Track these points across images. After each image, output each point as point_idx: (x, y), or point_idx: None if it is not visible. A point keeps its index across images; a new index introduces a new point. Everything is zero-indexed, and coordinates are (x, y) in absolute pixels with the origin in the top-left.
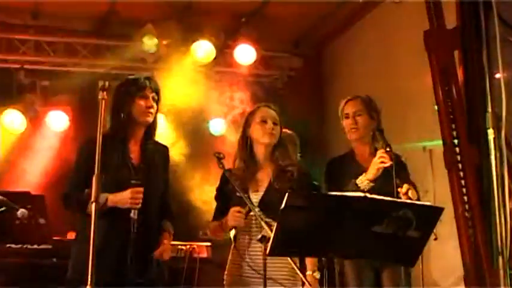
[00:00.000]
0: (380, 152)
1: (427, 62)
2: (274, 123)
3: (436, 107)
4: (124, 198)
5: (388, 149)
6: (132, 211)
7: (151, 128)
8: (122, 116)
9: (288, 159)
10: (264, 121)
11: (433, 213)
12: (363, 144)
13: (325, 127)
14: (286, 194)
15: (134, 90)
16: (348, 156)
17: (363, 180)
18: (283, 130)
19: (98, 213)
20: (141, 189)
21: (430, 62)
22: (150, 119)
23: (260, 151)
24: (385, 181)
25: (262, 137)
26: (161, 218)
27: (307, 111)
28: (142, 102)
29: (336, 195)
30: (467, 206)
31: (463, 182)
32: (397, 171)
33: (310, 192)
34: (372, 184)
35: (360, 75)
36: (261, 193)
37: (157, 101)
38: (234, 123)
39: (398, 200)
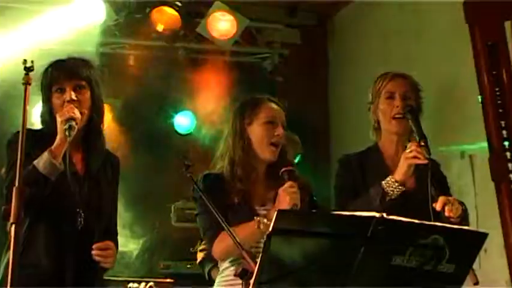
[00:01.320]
0: (413, 145)
1: (467, 39)
2: (283, 126)
3: (479, 98)
4: None
5: (423, 143)
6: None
7: (91, 129)
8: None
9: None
10: (271, 122)
11: (474, 241)
12: (397, 141)
13: (329, 121)
14: (275, 214)
15: (45, 82)
16: (371, 154)
17: (391, 183)
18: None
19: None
20: None
21: (472, 38)
22: (74, 116)
23: (260, 162)
24: (419, 188)
25: (266, 149)
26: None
27: (306, 101)
28: (57, 97)
29: (341, 215)
30: None
31: None
32: (435, 181)
33: (307, 212)
34: (401, 188)
35: (377, 55)
36: (268, 207)
37: (92, 91)
38: (206, 119)
39: (426, 223)
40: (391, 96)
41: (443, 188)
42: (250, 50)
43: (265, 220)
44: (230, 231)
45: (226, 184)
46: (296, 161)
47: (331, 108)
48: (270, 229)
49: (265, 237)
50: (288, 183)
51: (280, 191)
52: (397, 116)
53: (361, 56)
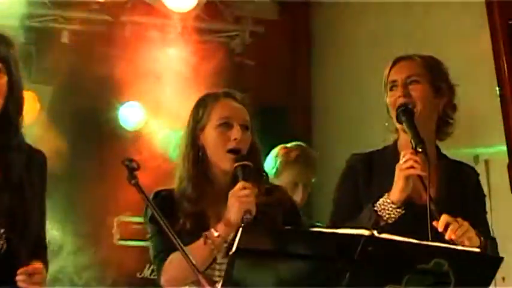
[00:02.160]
0: (407, 152)
1: (483, 17)
2: (244, 127)
3: (497, 90)
4: None
5: (420, 147)
6: None
7: (5, 124)
8: None
9: (261, 195)
10: (225, 124)
11: (486, 267)
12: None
13: (312, 114)
14: (240, 231)
15: None
16: (386, 155)
17: (386, 205)
18: None
19: None
20: None
21: (489, 15)
22: None
23: (220, 175)
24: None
25: (223, 158)
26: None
27: (283, 90)
28: None
29: (321, 232)
30: None
31: None
32: (459, 175)
33: (278, 228)
34: (399, 211)
35: (373, 34)
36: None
37: (9, 75)
38: (160, 112)
39: (424, 243)
40: (393, 85)
41: (474, 212)
42: (215, 26)
43: (215, 233)
44: (184, 252)
45: (176, 205)
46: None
47: (314, 99)
48: (234, 249)
49: (217, 257)
50: (238, 185)
51: (229, 195)
52: (399, 103)
53: (353, 35)
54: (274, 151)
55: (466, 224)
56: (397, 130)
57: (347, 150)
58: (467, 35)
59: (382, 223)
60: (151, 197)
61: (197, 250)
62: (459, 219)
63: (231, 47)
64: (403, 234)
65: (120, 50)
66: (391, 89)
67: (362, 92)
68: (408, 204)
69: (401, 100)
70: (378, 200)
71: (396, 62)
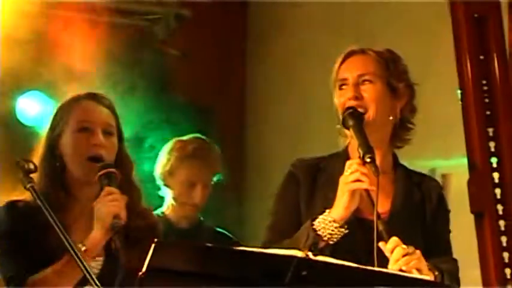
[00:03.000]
0: (353, 163)
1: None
2: (108, 133)
3: (459, 94)
4: None
5: (369, 157)
6: None
7: None
8: None
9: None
10: (85, 128)
11: None
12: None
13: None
14: (152, 247)
15: None
16: (334, 162)
17: (327, 224)
18: None
19: None
20: None
21: (451, 8)
22: None
23: (82, 187)
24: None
25: (83, 166)
26: None
27: (212, 86)
28: None
29: (247, 252)
30: (510, 287)
31: (504, 239)
32: (420, 188)
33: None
34: (342, 230)
35: (320, 29)
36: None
37: None
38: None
39: (367, 268)
40: (343, 84)
41: (434, 230)
42: (135, 7)
43: (82, 248)
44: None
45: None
46: (215, 179)
47: (248, 99)
48: (144, 269)
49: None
50: (102, 192)
51: (93, 204)
52: (347, 106)
53: (298, 21)
54: (167, 145)
55: (417, 252)
56: (347, 134)
57: (285, 157)
58: (426, 30)
59: (321, 244)
60: (3, 207)
61: (61, 270)
62: (411, 247)
63: (153, 32)
64: (349, 254)
65: (21, 32)
66: (340, 88)
67: (304, 93)
68: (356, 219)
69: (352, 103)
70: (317, 216)
71: (347, 56)
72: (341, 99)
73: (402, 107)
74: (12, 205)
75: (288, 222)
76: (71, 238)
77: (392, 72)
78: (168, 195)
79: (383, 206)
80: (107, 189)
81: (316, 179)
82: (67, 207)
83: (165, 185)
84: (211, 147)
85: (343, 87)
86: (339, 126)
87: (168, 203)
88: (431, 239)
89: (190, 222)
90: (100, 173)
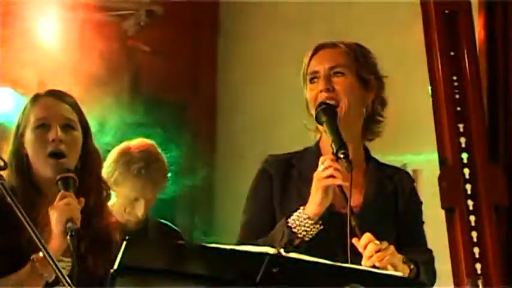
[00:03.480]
0: (327, 158)
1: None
2: (68, 127)
3: (429, 90)
4: None
5: (342, 153)
6: None
7: None
8: None
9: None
10: (43, 125)
11: None
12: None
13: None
14: (123, 245)
15: None
16: (306, 157)
17: (301, 221)
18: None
19: None
20: None
21: (422, 3)
22: None
23: (47, 184)
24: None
25: (43, 163)
26: None
27: (182, 85)
28: None
29: (218, 249)
30: (479, 282)
31: (474, 235)
32: (392, 181)
33: (172, 243)
34: (317, 227)
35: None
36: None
37: None
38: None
39: (339, 265)
40: (314, 77)
41: (407, 222)
42: (106, 3)
43: (41, 254)
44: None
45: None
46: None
47: (220, 97)
48: (115, 266)
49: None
50: (58, 196)
51: (49, 209)
52: (319, 101)
53: (270, 18)
54: (113, 154)
55: (391, 248)
56: (318, 129)
57: (257, 154)
58: (397, 26)
59: (297, 241)
60: None
61: (24, 279)
62: (384, 243)
63: (122, 28)
64: (325, 249)
65: None
66: (311, 81)
67: (276, 90)
68: (329, 214)
69: (323, 95)
70: (291, 214)
71: (318, 49)
72: (312, 92)
73: (373, 100)
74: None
75: (261, 220)
76: (42, 236)
77: (363, 64)
78: (113, 198)
79: (355, 199)
80: (61, 193)
81: (288, 175)
82: (37, 204)
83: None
84: (159, 161)
85: (314, 80)
86: (305, 121)
87: (114, 205)
88: (405, 230)
89: (136, 223)
90: (57, 178)
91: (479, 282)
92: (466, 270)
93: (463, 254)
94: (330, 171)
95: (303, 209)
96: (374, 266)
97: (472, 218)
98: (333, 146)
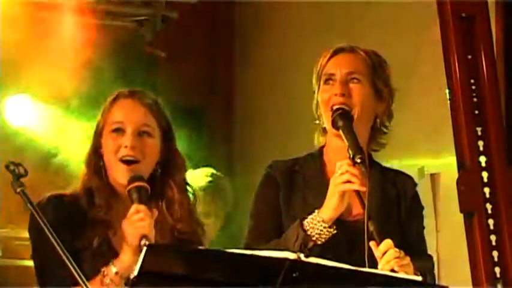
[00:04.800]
0: (344, 163)
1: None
2: (144, 133)
3: (447, 93)
4: None
5: (359, 158)
6: None
7: None
8: None
9: (184, 219)
10: (117, 130)
11: None
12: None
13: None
14: (144, 250)
15: None
16: (309, 163)
17: (316, 224)
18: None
19: None
20: None
21: (439, 7)
22: None
23: (120, 188)
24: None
25: (115, 169)
26: None
27: (200, 90)
28: None
29: (239, 255)
30: (499, 286)
31: (493, 238)
32: (396, 185)
33: (191, 248)
34: (331, 230)
35: (307, 29)
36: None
37: None
38: (52, 107)
39: (359, 269)
40: (330, 78)
41: (410, 227)
42: (121, 9)
43: (113, 269)
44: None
45: (81, 215)
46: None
47: (237, 100)
48: (136, 272)
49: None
50: (131, 209)
51: (123, 222)
52: (336, 107)
53: (286, 21)
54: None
55: (407, 258)
56: (324, 133)
57: (274, 156)
58: (415, 30)
59: (310, 244)
60: (44, 200)
61: None
62: (401, 251)
63: (140, 33)
64: (332, 256)
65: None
66: (326, 82)
67: (293, 93)
68: (337, 221)
69: (339, 99)
70: (306, 216)
71: (337, 52)
72: (326, 94)
73: (383, 111)
74: (50, 200)
75: (269, 224)
76: (115, 236)
77: (379, 74)
78: None
79: (358, 205)
80: (135, 207)
81: (293, 181)
82: (112, 205)
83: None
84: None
85: (330, 82)
86: (317, 122)
87: None
88: (407, 236)
89: None
90: (129, 187)
91: (499, 286)
92: (485, 274)
93: (482, 258)
94: (347, 176)
95: (318, 212)
96: (392, 271)
97: (491, 221)
98: (350, 151)
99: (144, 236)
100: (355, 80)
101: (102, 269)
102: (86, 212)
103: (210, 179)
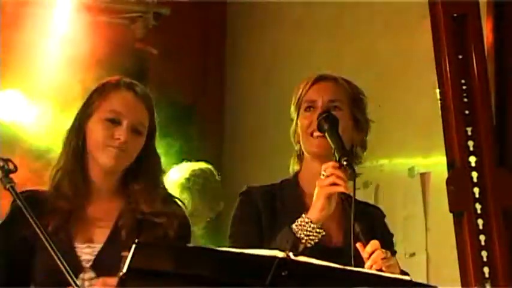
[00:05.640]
0: (329, 166)
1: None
2: (135, 132)
3: (438, 93)
4: None
5: (345, 161)
6: None
7: None
8: None
9: (156, 203)
10: (112, 120)
11: None
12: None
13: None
14: (132, 247)
15: None
16: (286, 188)
17: (304, 225)
18: None
19: None
20: None
21: (430, 7)
22: None
23: (98, 174)
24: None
25: (102, 154)
26: None
27: (190, 88)
28: None
29: (228, 252)
30: (487, 286)
31: (482, 238)
32: (367, 216)
33: (179, 246)
34: (320, 231)
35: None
36: (97, 246)
37: None
38: (44, 103)
39: (348, 268)
40: (311, 106)
41: (379, 228)
42: (114, 6)
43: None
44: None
45: (47, 205)
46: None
47: (227, 100)
48: (124, 269)
49: None
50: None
51: None
52: (323, 115)
53: (277, 19)
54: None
55: (393, 259)
56: (300, 159)
57: (264, 155)
58: (405, 28)
59: (301, 246)
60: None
61: None
62: (388, 252)
63: (129, 32)
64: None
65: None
66: (306, 110)
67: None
68: (317, 248)
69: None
70: (295, 220)
71: (318, 80)
72: (306, 120)
73: (359, 141)
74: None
75: (251, 243)
76: (72, 235)
77: (359, 105)
78: None
79: (336, 235)
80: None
81: (273, 206)
82: (82, 190)
83: None
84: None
85: (311, 109)
86: (292, 161)
87: None
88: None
89: None
90: None
91: (487, 286)
92: (474, 274)
93: (471, 258)
94: (332, 179)
95: (305, 214)
96: (380, 270)
97: (480, 221)
98: (336, 153)
99: None
100: (336, 108)
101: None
102: (47, 201)
103: (201, 171)
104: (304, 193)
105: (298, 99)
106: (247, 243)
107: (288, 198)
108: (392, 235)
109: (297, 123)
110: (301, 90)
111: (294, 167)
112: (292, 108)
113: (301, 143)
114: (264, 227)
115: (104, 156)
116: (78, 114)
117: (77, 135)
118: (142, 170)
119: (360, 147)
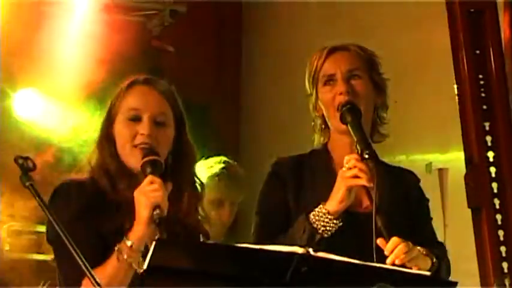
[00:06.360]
0: (352, 158)
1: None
2: (158, 123)
3: (455, 89)
4: None
5: (367, 153)
6: None
7: None
8: None
9: (186, 205)
10: (133, 118)
11: None
12: (351, 143)
13: (240, 113)
14: (153, 245)
15: None
16: (315, 157)
17: (321, 216)
18: None
19: None
20: None
21: (448, 6)
22: None
23: (130, 176)
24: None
25: (130, 158)
26: None
27: (206, 86)
28: None
29: (248, 249)
30: (506, 281)
31: (501, 233)
32: (401, 184)
33: (200, 243)
34: (337, 222)
35: (314, 23)
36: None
37: None
38: (61, 101)
39: (368, 264)
40: (330, 79)
41: (419, 220)
42: (131, 3)
43: (128, 242)
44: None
45: (103, 199)
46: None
47: (243, 98)
48: (145, 266)
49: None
50: (145, 180)
51: (135, 193)
52: (343, 106)
53: (293, 17)
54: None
55: (416, 249)
56: (326, 131)
57: (280, 153)
58: (422, 24)
59: (317, 237)
60: (64, 187)
61: (110, 269)
62: (410, 244)
63: (147, 28)
64: (341, 250)
65: (13, 27)
66: (326, 84)
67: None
68: (347, 213)
69: (344, 98)
70: (312, 210)
71: (331, 52)
72: (328, 94)
73: (380, 103)
74: (62, 186)
75: (276, 220)
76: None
77: (374, 67)
78: None
79: (367, 201)
80: (149, 178)
81: (301, 176)
82: (132, 188)
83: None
84: (237, 169)
85: (330, 82)
86: (313, 123)
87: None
88: (418, 229)
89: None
90: (143, 160)
91: (506, 281)
92: (492, 269)
93: (489, 253)
94: (355, 171)
95: (324, 204)
96: (402, 266)
97: (499, 216)
98: (358, 146)
99: (158, 206)
100: (356, 77)
101: (116, 247)
102: (106, 195)
103: (222, 165)
104: (334, 160)
105: (314, 74)
106: (273, 222)
107: (318, 165)
108: (428, 200)
109: (317, 98)
110: (315, 64)
111: (320, 138)
112: (307, 83)
113: (326, 118)
114: (290, 200)
115: (133, 160)
116: (103, 120)
117: (107, 140)
118: (179, 165)
119: (382, 108)
